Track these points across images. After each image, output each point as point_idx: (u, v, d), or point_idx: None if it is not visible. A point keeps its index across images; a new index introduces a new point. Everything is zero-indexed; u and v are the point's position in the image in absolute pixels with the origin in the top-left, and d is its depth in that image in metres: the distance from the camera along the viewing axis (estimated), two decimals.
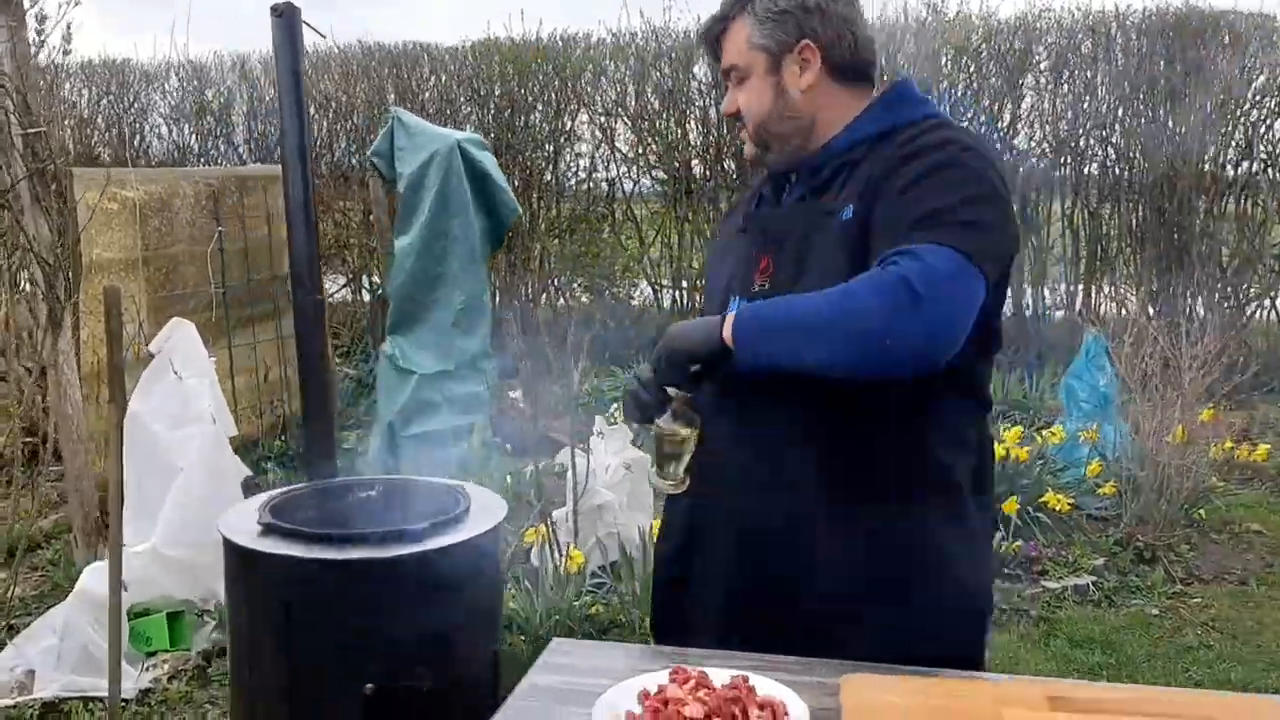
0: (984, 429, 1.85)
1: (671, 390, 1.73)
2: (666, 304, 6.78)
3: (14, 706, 3.22)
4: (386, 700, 2.09)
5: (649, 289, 6.90)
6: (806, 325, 1.61)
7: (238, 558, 2.15)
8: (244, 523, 2.25)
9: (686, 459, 1.75)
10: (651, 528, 3.85)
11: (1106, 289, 6.75)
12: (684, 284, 6.82)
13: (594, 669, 1.38)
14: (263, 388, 5.79)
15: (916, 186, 1.63)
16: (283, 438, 5.82)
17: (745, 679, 1.21)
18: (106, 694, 3.27)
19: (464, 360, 5.58)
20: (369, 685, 2.08)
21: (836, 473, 1.68)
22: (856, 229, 1.67)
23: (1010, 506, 4.18)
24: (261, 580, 2.13)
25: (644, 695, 1.18)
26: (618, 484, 4.01)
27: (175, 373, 3.73)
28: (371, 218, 7.09)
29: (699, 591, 1.86)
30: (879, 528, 1.68)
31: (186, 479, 3.65)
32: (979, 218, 1.62)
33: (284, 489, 2.42)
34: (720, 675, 1.22)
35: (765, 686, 1.24)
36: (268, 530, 2.17)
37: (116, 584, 2.75)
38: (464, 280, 5.56)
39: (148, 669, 3.47)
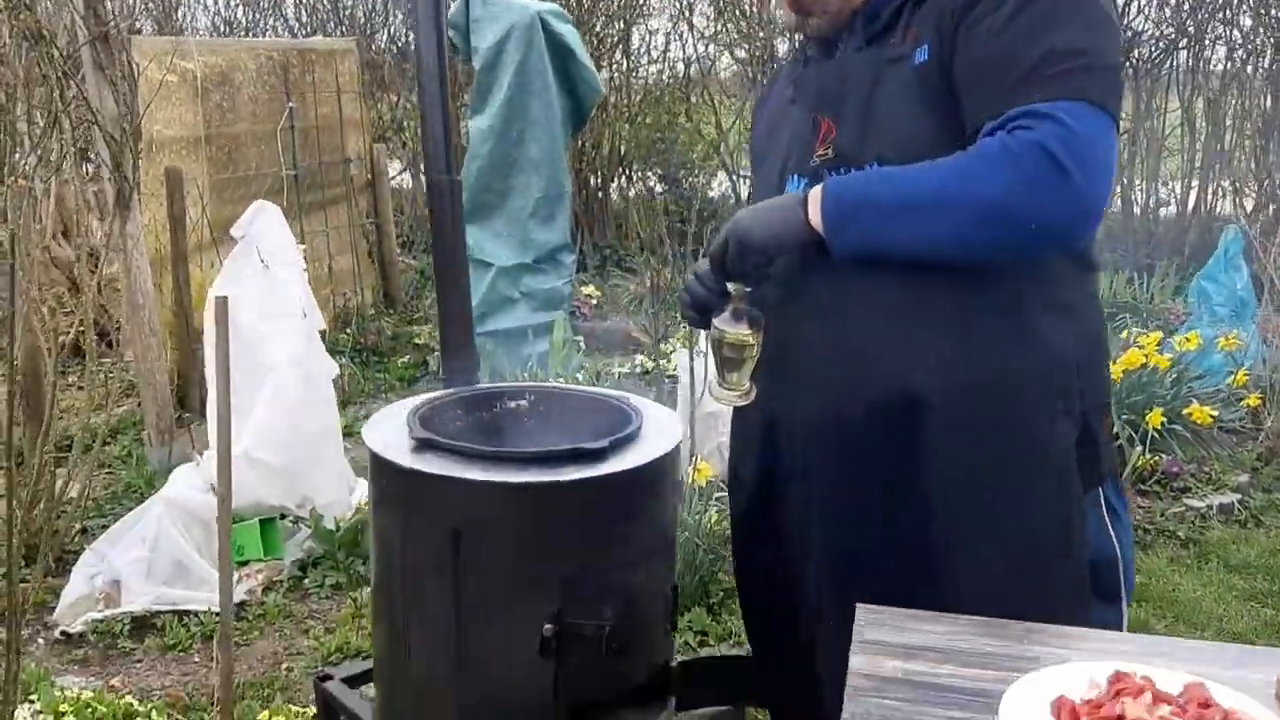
0: (1093, 295, 1.62)
1: (731, 287, 1.57)
2: (745, 195, 6.38)
3: (102, 620, 2.99)
4: (567, 641, 1.82)
5: (727, 179, 6.50)
6: (923, 204, 1.42)
7: (395, 478, 1.86)
8: (392, 436, 1.95)
9: (751, 365, 1.59)
10: None
11: (1225, 184, 6.32)
12: None
13: (936, 650, 1.09)
14: (333, 277, 5.48)
15: (1014, 22, 1.40)
16: (348, 330, 5.53)
17: (1201, 685, 0.91)
18: (200, 607, 3.05)
19: (543, 253, 5.25)
20: (548, 625, 1.81)
21: (932, 355, 1.50)
22: (935, 73, 1.45)
23: (1155, 419, 3.86)
24: (425, 505, 1.84)
25: (1064, 706, 0.89)
26: None
27: (262, 261, 3.42)
28: None
29: (791, 513, 1.70)
30: (986, 412, 1.49)
31: (278, 378, 3.37)
32: (1101, 54, 1.39)
33: (429, 396, 2.12)
34: (1166, 679, 0.92)
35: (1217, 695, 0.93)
36: (424, 446, 1.88)
37: (226, 490, 2.48)
38: (544, 166, 5.19)
39: (240, 580, 3.23)
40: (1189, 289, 4.79)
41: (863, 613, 1.16)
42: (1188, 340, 4.31)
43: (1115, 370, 4.01)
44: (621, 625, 1.87)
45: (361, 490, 3.76)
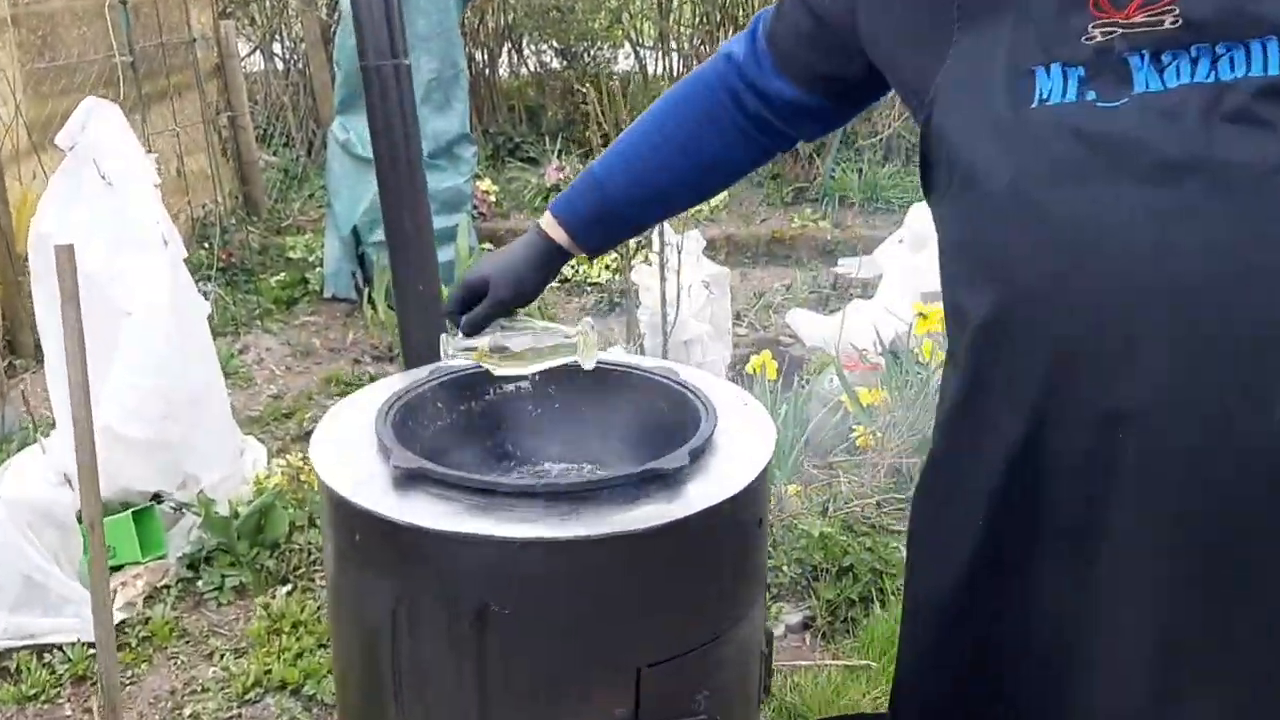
0: None
1: None
2: (654, 70, 5.68)
3: None
4: None
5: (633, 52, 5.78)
6: None
7: (379, 535, 1.23)
8: (357, 460, 1.32)
9: None
10: (750, 363, 3.00)
11: None
12: (674, 47, 5.72)
13: None
14: (185, 183, 4.60)
15: None
16: (209, 245, 4.69)
17: None
18: (66, 638, 2.36)
19: (439, 146, 4.48)
20: None
21: None
22: None
23: None
24: (432, 575, 1.21)
25: None
26: (700, 310, 3.11)
27: (103, 176, 2.63)
28: None
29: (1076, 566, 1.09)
30: None
31: (139, 328, 2.62)
32: None
33: (396, 388, 1.47)
34: None
35: None
36: (414, 479, 1.25)
37: (96, 511, 1.79)
38: (434, 43, 4.39)
39: (115, 591, 2.53)
40: None
41: None
42: None
43: None
44: (718, 711, 1.31)
45: (255, 454, 3.07)
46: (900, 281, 3.89)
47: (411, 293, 1.59)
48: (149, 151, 2.86)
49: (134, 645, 2.40)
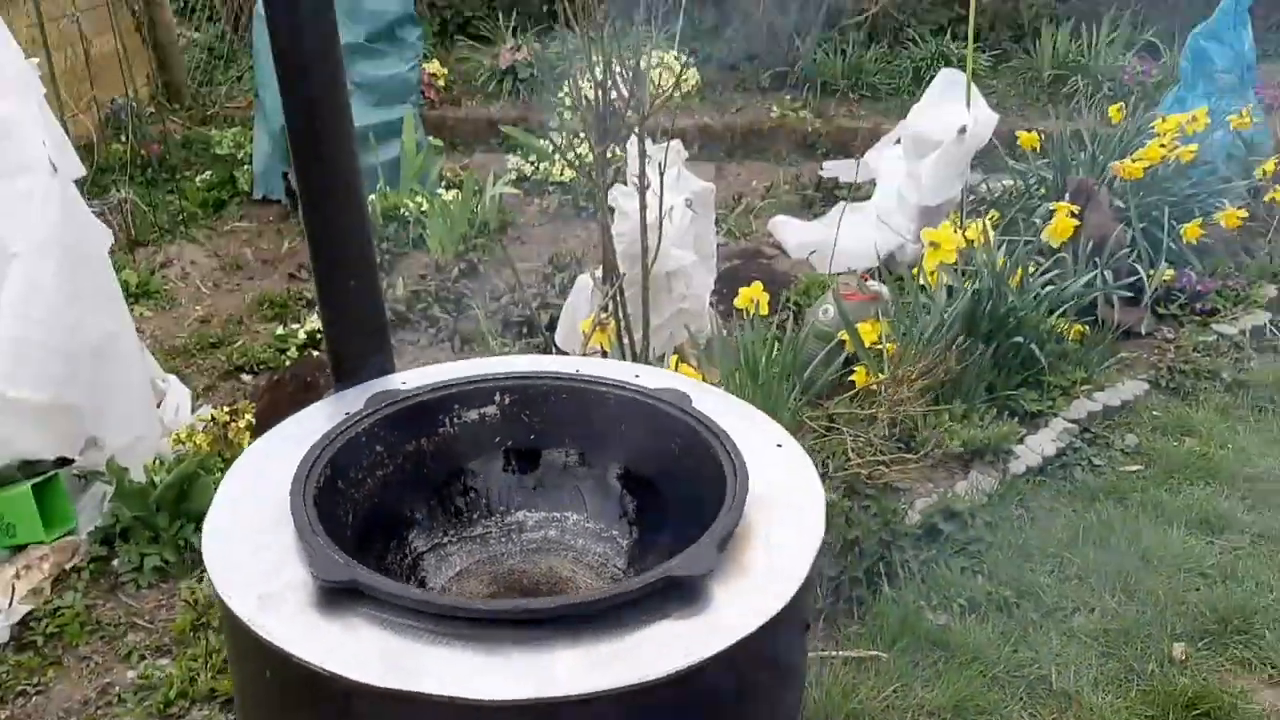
0: None
1: None
2: None
3: None
4: None
5: None
6: None
7: (297, 679, 0.90)
8: (264, 555, 0.99)
9: None
10: (740, 296, 2.66)
11: None
12: None
13: None
14: (91, 68, 4.08)
15: None
16: (124, 139, 4.20)
17: None
18: None
19: (379, 27, 4.01)
20: None
21: None
22: None
23: (1193, 231, 3.13)
24: None
25: None
26: (682, 235, 2.72)
27: None
28: None
29: None
30: None
31: (24, 271, 2.22)
32: None
33: (327, 429, 1.12)
34: None
35: None
36: (343, 596, 0.92)
37: None
38: None
39: (17, 577, 2.20)
40: (1186, 49, 3.95)
41: None
42: (1194, 120, 3.53)
43: (1134, 168, 3.24)
44: None
45: (178, 398, 2.71)
46: (895, 191, 3.54)
47: (338, 286, 1.22)
48: (30, 56, 2.40)
49: (40, 644, 2.08)
